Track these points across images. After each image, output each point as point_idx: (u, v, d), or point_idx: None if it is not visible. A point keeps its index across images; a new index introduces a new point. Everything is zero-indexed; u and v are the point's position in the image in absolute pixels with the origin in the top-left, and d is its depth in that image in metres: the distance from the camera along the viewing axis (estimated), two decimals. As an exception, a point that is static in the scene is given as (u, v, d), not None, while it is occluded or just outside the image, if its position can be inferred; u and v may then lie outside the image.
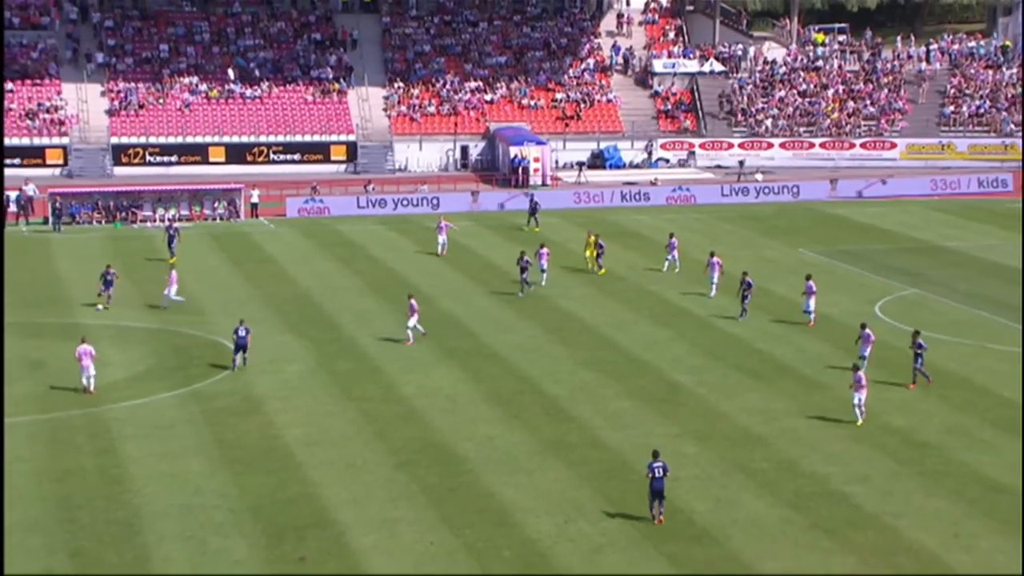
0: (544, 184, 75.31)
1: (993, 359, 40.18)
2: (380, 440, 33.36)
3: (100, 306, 46.72)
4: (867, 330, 38.59)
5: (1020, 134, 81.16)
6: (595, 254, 52.67)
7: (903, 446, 32.50)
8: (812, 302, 44.24)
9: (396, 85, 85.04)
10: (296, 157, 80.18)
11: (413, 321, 42.14)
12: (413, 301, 42.49)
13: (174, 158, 78.93)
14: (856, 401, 33.98)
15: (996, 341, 42.25)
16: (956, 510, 28.58)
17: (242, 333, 39.17)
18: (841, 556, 26.35)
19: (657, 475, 27.14)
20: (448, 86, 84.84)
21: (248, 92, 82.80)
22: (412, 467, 31.37)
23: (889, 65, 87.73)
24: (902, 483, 30.14)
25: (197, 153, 79.28)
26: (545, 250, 50.26)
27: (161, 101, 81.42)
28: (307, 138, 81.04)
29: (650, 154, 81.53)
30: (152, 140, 79.38)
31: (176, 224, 58.50)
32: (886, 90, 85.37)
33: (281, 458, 32.07)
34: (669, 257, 52.78)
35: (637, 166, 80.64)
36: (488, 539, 27.24)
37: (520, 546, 26.95)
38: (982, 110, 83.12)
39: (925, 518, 28.13)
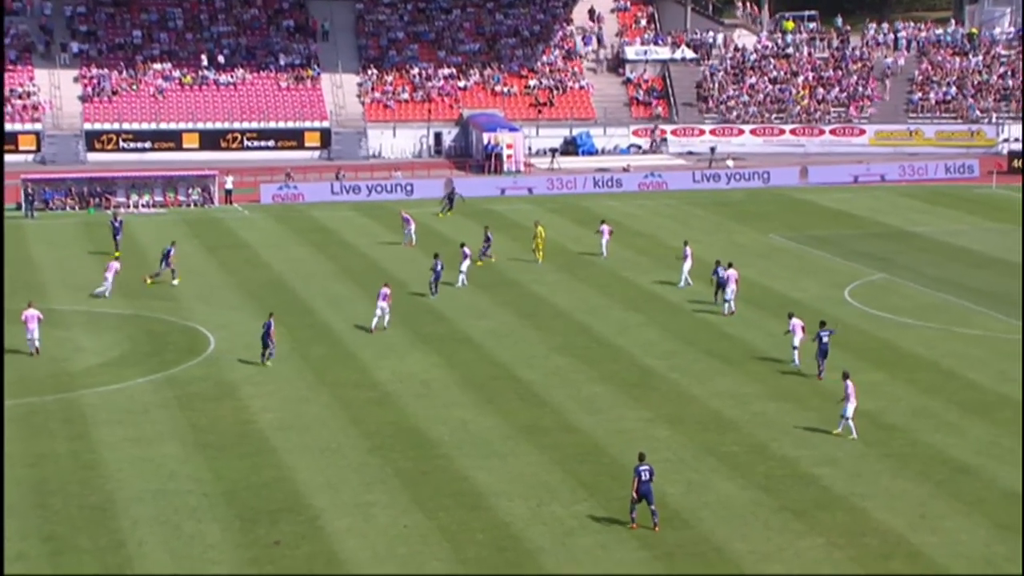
0: (518, 170, 75.28)
1: (959, 343, 40.45)
2: (354, 425, 33.31)
3: (174, 281, 47.94)
4: (794, 320, 38.03)
5: (986, 120, 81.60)
6: (540, 245, 52.02)
7: (871, 428, 32.67)
8: (731, 290, 43.21)
9: (370, 72, 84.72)
10: (270, 143, 79.79)
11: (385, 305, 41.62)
12: (386, 289, 42.06)
13: (148, 144, 78.42)
14: (845, 412, 32.08)
15: (962, 325, 42.53)
16: (922, 491, 28.79)
17: (265, 328, 38.27)
18: (810, 537, 26.51)
19: (643, 478, 26.80)
20: (422, 73, 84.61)
21: (222, 79, 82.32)
22: (386, 451, 31.35)
23: (858, 52, 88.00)
24: (870, 465, 30.33)
25: (171, 139, 78.77)
26: (466, 249, 48.44)
27: (134, 87, 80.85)
28: (281, 125, 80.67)
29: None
30: (125, 126, 78.83)
31: (121, 217, 55.80)
32: (855, 77, 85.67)
33: (255, 443, 31.98)
34: (603, 243, 53.13)
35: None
36: (462, 522, 27.27)
37: (493, 529, 27.00)
38: (949, 97, 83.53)
39: (892, 499, 28.33)
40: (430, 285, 46.01)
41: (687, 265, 47.75)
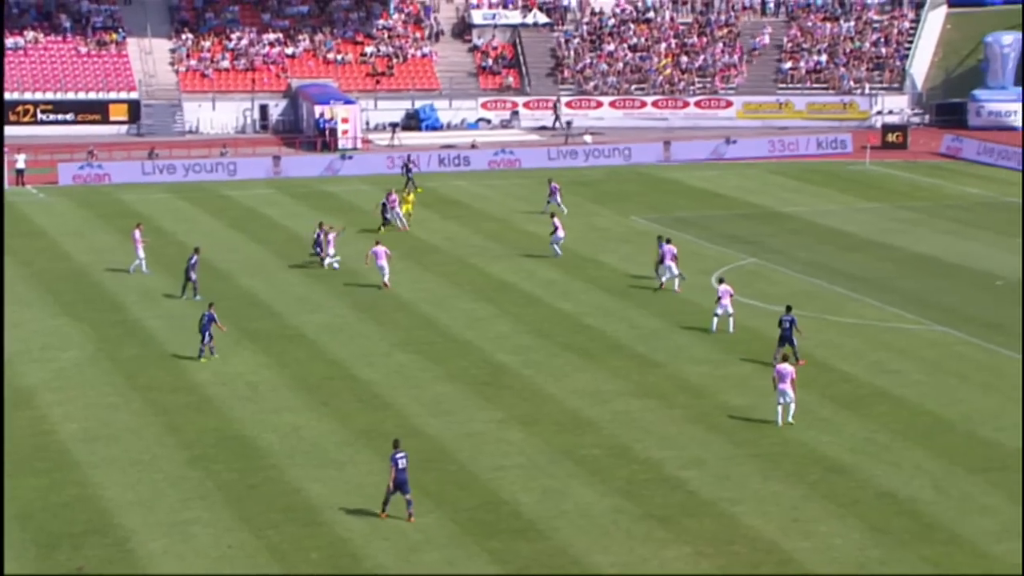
0: (354, 148, 74.96)
1: (832, 332, 41.76)
2: (170, 434, 32.89)
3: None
4: (723, 286, 41.14)
5: (859, 92, 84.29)
6: (409, 209, 55.81)
7: (740, 426, 33.54)
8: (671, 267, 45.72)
9: (184, 36, 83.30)
10: (69, 117, 78.24)
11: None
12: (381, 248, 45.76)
13: (-76, 117, 76.11)
14: (783, 400, 32.96)
15: (835, 312, 43.91)
16: (795, 494, 29.67)
17: (206, 319, 38.04)
18: (676, 546, 27.11)
19: (400, 466, 27.68)
20: (244, 38, 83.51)
21: (9, 42, 79.97)
22: (207, 463, 31.03)
23: (723, 17, 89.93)
24: (738, 466, 31.14)
25: (-49, 112, 76.59)
26: (328, 230, 49.27)
27: (-92, 51, 78.04)
28: (81, 96, 78.98)
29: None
30: (-103, 96, 76.15)
31: None
32: (720, 44, 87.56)
33: (54, 457, 31.35)
34: (551, 200, 57.94)
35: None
36: (294, 540, 27.15)
37: (329, 546, 26.95)
38: (820, 66, 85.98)
39: (763, 503, 29.14)
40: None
41: (559, 235, 50.53)
